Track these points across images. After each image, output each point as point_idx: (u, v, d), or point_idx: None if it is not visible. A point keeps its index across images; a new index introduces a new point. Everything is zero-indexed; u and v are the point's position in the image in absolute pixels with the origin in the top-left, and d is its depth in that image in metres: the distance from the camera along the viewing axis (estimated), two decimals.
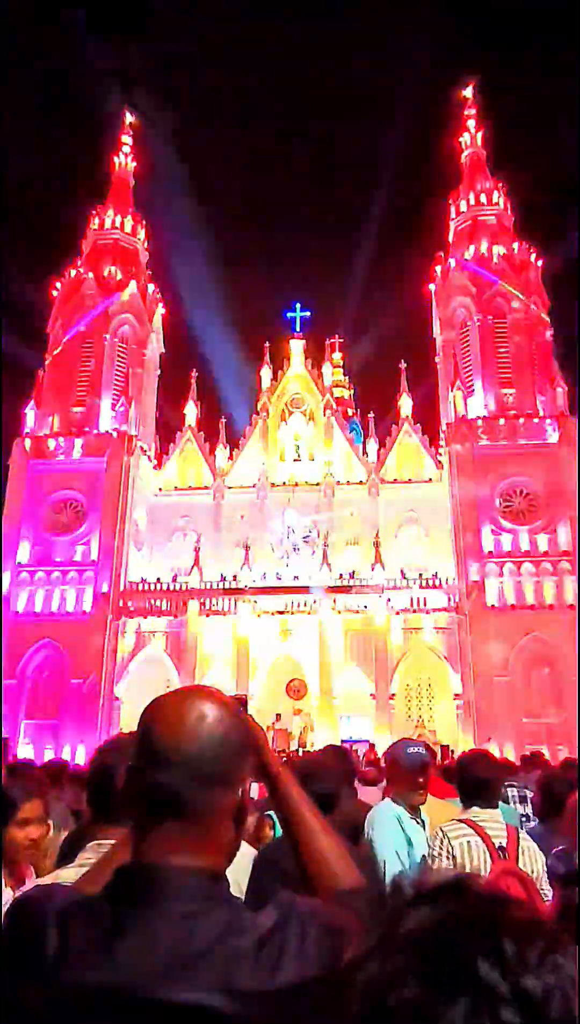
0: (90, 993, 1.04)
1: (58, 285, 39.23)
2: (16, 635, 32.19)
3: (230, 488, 37.90)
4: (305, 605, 32.75)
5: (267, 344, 40.16)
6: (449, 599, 32.47)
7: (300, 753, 19.79)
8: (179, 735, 1.20)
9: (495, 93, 57.26)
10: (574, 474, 33.14)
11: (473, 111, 42.51)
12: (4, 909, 1.42)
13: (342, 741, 29.53)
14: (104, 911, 1.13)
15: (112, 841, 1.90)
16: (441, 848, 3.68)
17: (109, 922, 1.11)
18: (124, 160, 43.32)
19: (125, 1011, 1.02)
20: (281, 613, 32.84)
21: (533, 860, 3.62)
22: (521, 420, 34.72)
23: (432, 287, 40.18)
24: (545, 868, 3.61)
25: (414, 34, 79.81)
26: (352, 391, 50.51)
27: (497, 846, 3.59)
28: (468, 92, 42.61)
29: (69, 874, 2.08)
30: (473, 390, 36.08)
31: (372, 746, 23.03)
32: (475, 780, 3.91)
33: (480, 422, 34.81)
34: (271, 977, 1.06)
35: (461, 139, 42.69)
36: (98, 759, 2.64)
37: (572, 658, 30.15)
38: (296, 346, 40.27)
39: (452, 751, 21.90)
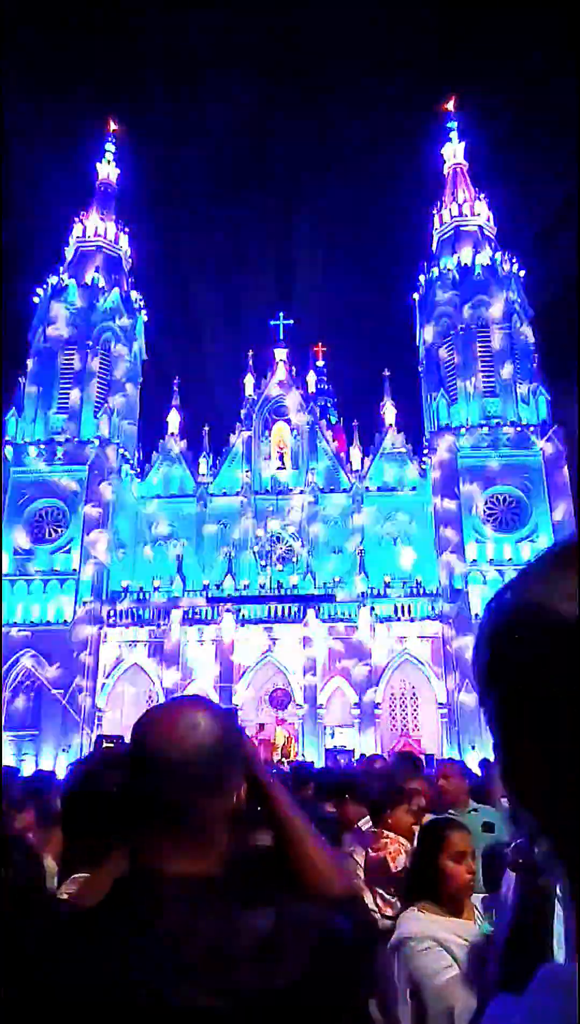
0: (90, 1002, 1.05)
1: (40, 292, 38.97)
2: None
3: (213, 496, 37.75)
4: (289, 614, 32.61)
5: (251, 352, 40.17)
6: (433, 608, 32.45)
7: (285, 764, 19.52)
8: (172, 743, 1.21)
9: (478, 105, 57.97)
10: (557, 483, 33.35)
11: (455, 123, 42.99)
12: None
13: (326, 751, 29.48)
14: (103, 921, 1.15)
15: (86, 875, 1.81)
16: None
17: (108, 931, 1.12)
18: (108, 167, 43.26)
19: (126, 1018, 1.03)
20: (265, 622, 32.67)
21: None
22: (504, 428, 34.86)
23: (416, 296, 40.38)
24: None
25: (398, 48, 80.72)
26: (336, 399, 50.70)
27: None
28: (451, 105, 43.13)
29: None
30: (456, 398, 36.20)
31: (365, 757, 22.71)
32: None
33: (463, 431, 34.90)
34: (270, 978, 1.06)
35: (444, 151, 43.08)
36: (76, 787, 2.03)
37: None
38: (280, 354, 40.27)
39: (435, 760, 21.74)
